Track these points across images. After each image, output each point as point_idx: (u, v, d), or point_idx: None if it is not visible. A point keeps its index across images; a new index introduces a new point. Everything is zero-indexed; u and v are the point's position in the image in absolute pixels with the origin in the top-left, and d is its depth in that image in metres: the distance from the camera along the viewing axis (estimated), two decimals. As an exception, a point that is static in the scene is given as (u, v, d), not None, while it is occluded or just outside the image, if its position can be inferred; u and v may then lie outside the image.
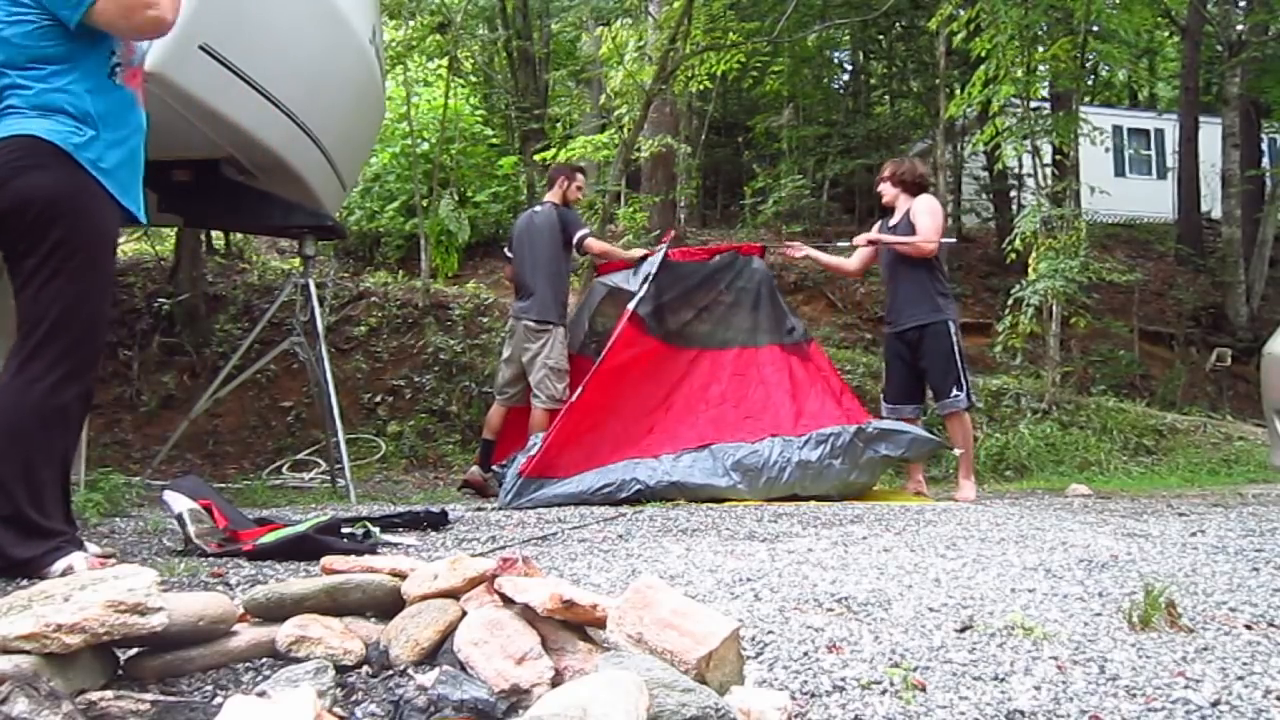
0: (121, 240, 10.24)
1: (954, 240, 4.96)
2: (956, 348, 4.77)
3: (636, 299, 4.81)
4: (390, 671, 1.37)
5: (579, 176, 5.52)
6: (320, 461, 6.41)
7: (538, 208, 5.46)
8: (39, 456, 2.17)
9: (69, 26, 2.19)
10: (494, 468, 5.09)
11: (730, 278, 5.12)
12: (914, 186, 5.00)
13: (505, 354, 5.35)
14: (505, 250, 5.68)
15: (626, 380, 4.72)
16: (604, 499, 4.24)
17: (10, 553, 2.10)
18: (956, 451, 4.85)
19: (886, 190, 5.08)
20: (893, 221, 5.02)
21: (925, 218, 4.82)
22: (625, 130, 9.70)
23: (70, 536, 2.20)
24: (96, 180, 2.23)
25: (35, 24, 2.18)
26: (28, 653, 1.20)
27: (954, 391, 4.72)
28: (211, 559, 2.50)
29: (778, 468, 4.38)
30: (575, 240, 5.23)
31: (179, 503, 2.72)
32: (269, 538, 2.61)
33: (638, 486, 4.28)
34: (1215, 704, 1.33)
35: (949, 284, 5.06)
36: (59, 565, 2.11)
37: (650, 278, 4.91)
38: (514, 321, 5.28)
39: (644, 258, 5.23)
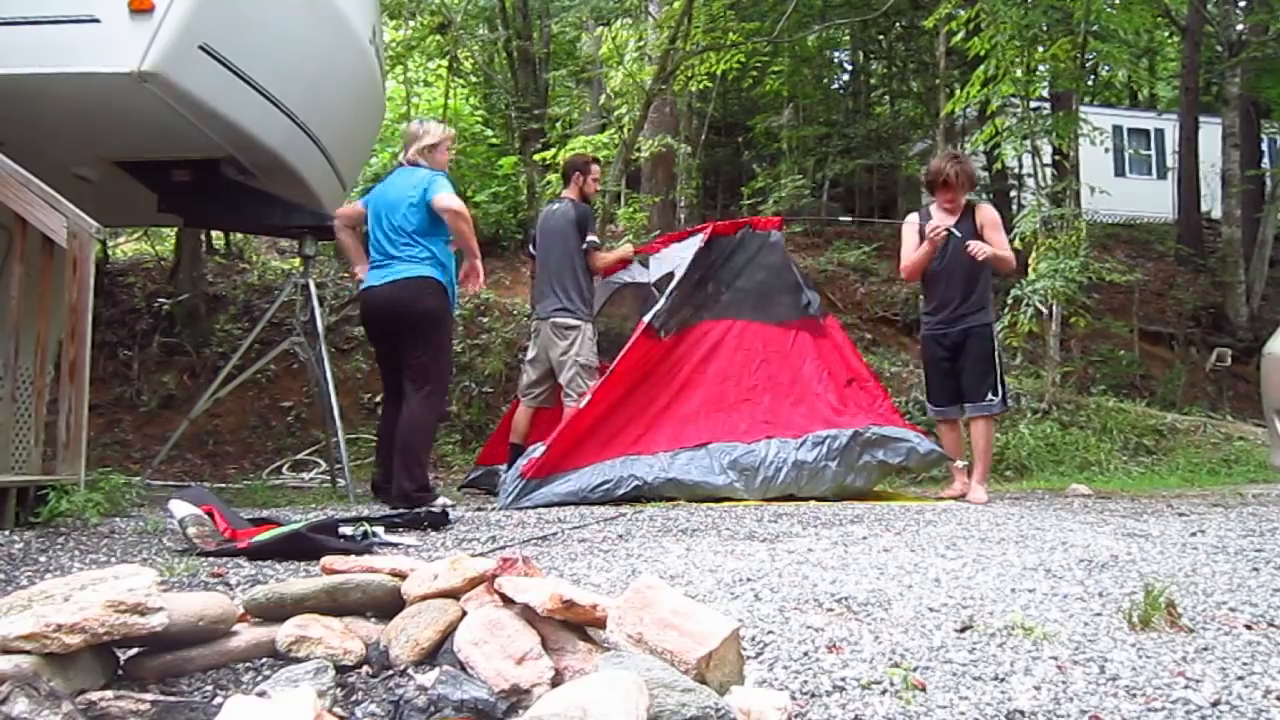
0: (121, 240, 10.27)
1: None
2: (997, 351, 4.83)
3: (654, 311, 4.72)
4: (390, 671, 1.37)
5: (594, 168, 5.31)
6: (320, 461, 6.41)
7: (555, 204, 5.27)
8: (428, 444, 4.23)
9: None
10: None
11: (744, 256, 5.00)
12: (972, 186, 4.92)
13: (530, 354, 5.16)
14: (530, 248, 5.46)
15: (635, 382, 4.67)
16: (603, 496, 4.24)
17: (413, 494, 3.92)
18: (960, 463, 4.90)
19: (957, 192, 4.80)
20: (955, 221, 4.79)
21: (1001, 231, 4.76)
22: (625, 130, 9.71)
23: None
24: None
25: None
26: (28, 653, 1.20)
27: (990, 396, 4.72)
28: (211, 559, 2.50)
29: (774, 467, 4.37)
30: (582, 248, 5.06)
31: (181, 509, 2.74)
32: (263, 536, 2.61)
33: (635, 483, 4.29)
34: (1215, 704, 1.33)
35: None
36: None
37: (672, 290, 4.81)
38: (538, 321, 5.07)
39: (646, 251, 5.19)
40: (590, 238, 5.09)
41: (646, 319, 4.71)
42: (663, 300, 4.80)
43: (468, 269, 4.28)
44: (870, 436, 4.47)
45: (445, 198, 4.06)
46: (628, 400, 4.65)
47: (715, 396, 4.67)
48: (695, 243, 4.98)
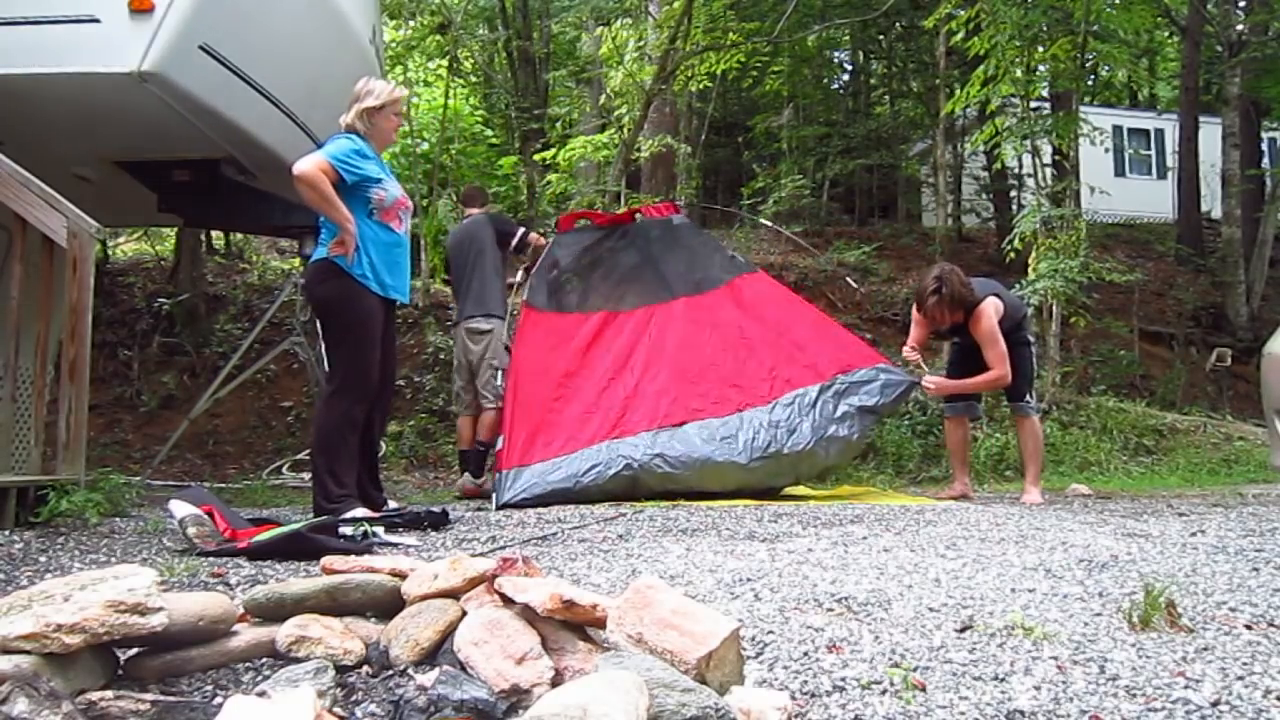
0: (121, 240, 10.27)
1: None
2: (1032, 359, 4.94)
3: (527, 289, 4.94)
4: (390, 671, 1.37)
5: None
6: (320, 461, 6.40)
7: (464, 220, 5.60)
8: (341, 447, 3.45)
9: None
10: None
11: (663, 240, 5.19)
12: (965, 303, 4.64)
13: (455, 362, 5.43)
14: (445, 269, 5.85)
15: (560, 356, 4.74)
16: (595, 477, 4.27)
17: (323, 505, 3.38)
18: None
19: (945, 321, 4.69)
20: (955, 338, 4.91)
21: (995, 346, 4.57)
22: (625, 130, 9.70)
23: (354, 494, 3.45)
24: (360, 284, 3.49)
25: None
26: (28, 653, 1.20)
27: (1027, 396, 4.84)
28: (211, 559, 2.50)
29: (752, 431, 4.45)
30: (518, 238, 5.33)
31: (181, 509, 2.74)
32: (263, 536, 2.61)
33: (624, 461, 4.32)
34: (1215, 704, 1.33)
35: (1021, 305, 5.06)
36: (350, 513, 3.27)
37: (536, 267, 5.03)
38: (455, 329, 5.38)
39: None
40: (520, 229, 5.39)
41: (523, 297, 4.94)
42: (528, 279, 5.01)
43: (336, 238, 3.45)
44: (839, 387, 4.56)
45: (298, 162, 3.37)
46: (583, 379, 4.71)
47: (679, 369, 4.74)
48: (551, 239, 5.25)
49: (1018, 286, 7.88)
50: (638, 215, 5.43)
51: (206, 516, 2.77)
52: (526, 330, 4.77)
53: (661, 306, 4.97)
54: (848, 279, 6.77)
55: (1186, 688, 1.39)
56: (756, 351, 4.79)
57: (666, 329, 4.89)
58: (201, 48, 3.84)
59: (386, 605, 1.55)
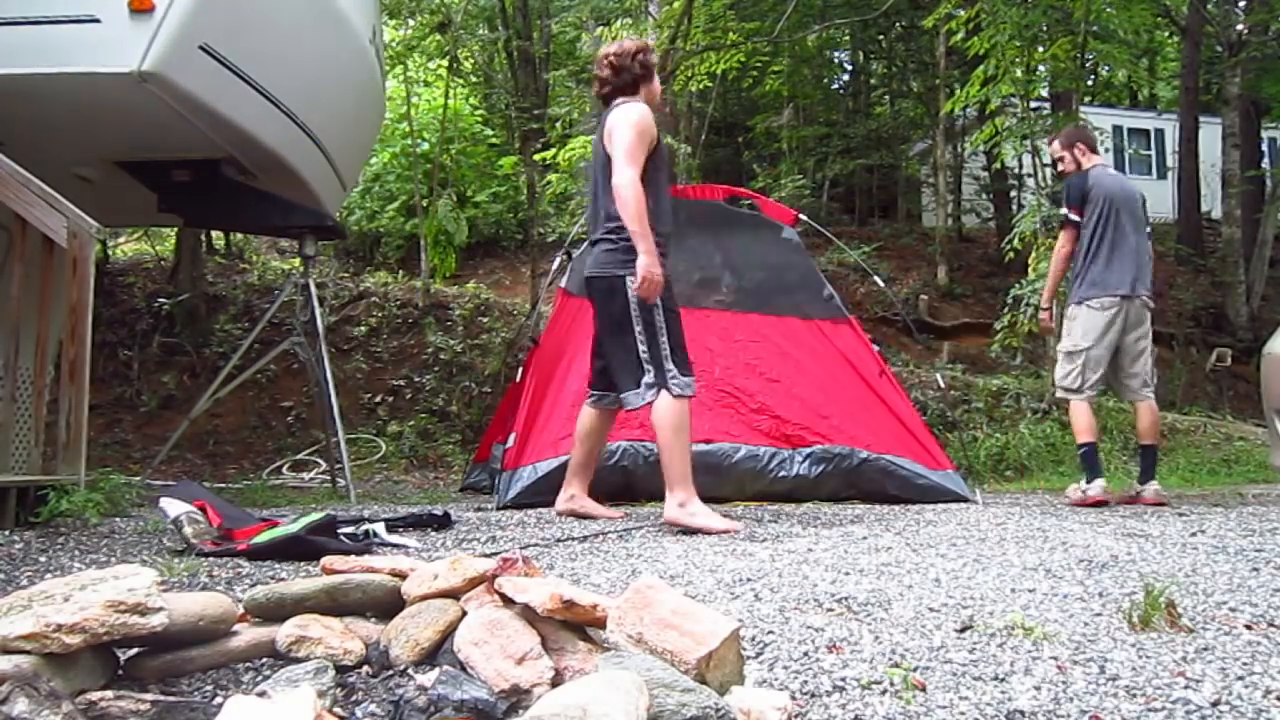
0: (121, 240, 10.27)
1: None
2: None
3: (565, 276, 4.69)
4: (390, 671, 1.37)
5: None
6: (320, 461, 6.41)
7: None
8: None
9: None
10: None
11: (759, 245, 4.87)
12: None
13: None
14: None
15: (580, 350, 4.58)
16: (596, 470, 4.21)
17: None
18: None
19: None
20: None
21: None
22: (625, 130, 9.67)
23: None
24: None
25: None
26: (28, 653, 1.20)
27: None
28: (211, 559, 2.50)
29: (771, 477, 4.33)
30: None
31: (174, 508, 2.73)
32: (262, 536, 2.61)
33: (630, 453, 4.25)
34: (1215, 704, 1.33)
35: None
36: None
37: (568, 257, 4.80)
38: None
39: None
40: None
41: (562, 282, 4.68)
42: (557, 262, 4.81)
43: None
44: (885, 465, 4.36)
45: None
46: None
47: (725, 383, 4.53)
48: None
49: (1018, 287, 7.88)
50: (753, 204, 5.05)
51: (200, 512, 2.75)
52: (556, 316, 4.53)
53: (726, 314, 4.68)
54: (876, 277, 6.80)
55: (1186, 688, 1.39)
56: (814, 396, 4.49)
57: (724, 342, 4.59)
58: (201, 48, 3.84)
59: (386, 605, 1.54)
